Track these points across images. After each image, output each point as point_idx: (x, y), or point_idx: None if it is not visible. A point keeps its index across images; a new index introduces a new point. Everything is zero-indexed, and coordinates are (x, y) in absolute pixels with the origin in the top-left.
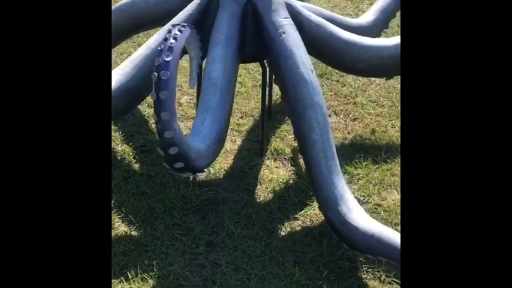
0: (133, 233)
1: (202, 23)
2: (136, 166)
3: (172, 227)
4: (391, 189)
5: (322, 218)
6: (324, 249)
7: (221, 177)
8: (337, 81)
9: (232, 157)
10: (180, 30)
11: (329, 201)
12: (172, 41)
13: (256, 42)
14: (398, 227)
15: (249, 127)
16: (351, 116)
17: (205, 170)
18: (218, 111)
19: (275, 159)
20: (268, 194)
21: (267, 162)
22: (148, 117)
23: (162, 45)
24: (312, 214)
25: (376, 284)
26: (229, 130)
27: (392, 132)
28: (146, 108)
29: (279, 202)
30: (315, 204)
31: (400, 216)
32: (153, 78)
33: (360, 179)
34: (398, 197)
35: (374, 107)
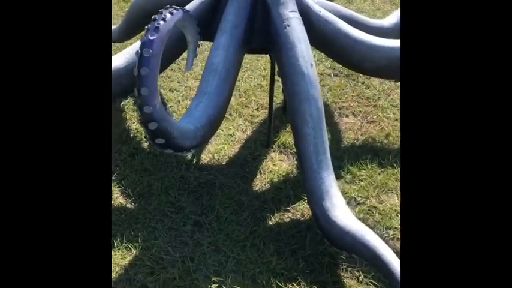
0: (128, 205)
1: (215, 12)
2: (145, 145)
3: (165, 204)
4: (391, 194)
5: None
6: (307, 243)
7: (223, 163)
8: (363, 83)
9: (238, 146)
10: (171, 13)
11: (315, 195)
12: (160, 22)
13: (264, 34)
14: (390, 231)
15: (262, 119)
16: (368, 118)
17: (191, 150)
18: (214, 96)
19: (280, 152)
20: (265, 184)
21: (272, 154)
22: (167, 100)
23: (150, 25)
24: (303, 208)
25: (352, 283)
26: (242, 120)
27: None
28: (167, 92)
29: (274, 193)
30: None
31: (393, 220)
32: (136, 55)
33: (361, 180)
34: (397, 201)
35: (394, 112)
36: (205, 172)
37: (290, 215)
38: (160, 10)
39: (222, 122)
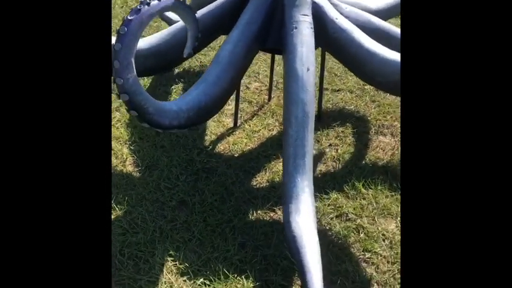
0: (133, 173)
1: (240, 9)
2: None
3: (163, 179)
4: (389, 219)
5: None
6: (273, 243)
7: (235, 155)
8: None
9: (258, 143)
10: None
11: (285, 197)
12: (144, 6)
13: (278, 34)
14: (367, 253)
15: None
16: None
17: (171, 129)
18: (211, 85)
19: None
20: (263, 182)
21: None
22: None
23: (133, 7)
24: None
25: None
26: (273, 120)
27: None
28: None
29: (267, 191)
30: None
31: (375, 244)
32: (117, 31)
33: (364, 199)
34: (392, 228)
35: None
36: (213, 159)
37: (272, 214)
38: None
39: (253, 119)
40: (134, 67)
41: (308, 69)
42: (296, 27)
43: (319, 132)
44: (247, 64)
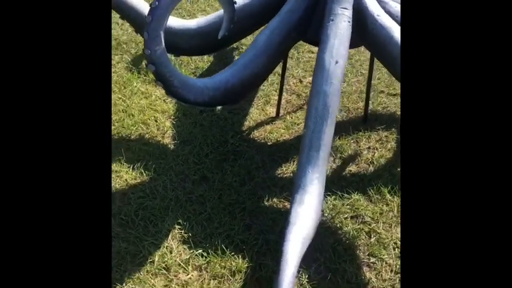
0: (169, 145)
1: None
2: (218, 107)
3: (193, 155)
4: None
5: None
6: (278, 229)
7: (268, 143)
8: None
9: (295, 134)
10: None
11: (294, 186)
12: None
13: (318, 26)
14: (372, 258)
15: (342, 122)
16: None
17: (197, 105)
18: (241, 67)
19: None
20: (287, 172)
21: None
22: None
23: None
24: None
25: None
26: None
27: None
28: None
29: (288, 181)
30: None
31: (374, 249)
32: (150, 4)
33: (386, 205)
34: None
35: None
36: (245, 143)
37: (286, 203)
38: None
39: (297, 112)
40: (163, 40)
41: (337, 62)
42: (333, 20)
43: (360, 133)
44: (283, 52)
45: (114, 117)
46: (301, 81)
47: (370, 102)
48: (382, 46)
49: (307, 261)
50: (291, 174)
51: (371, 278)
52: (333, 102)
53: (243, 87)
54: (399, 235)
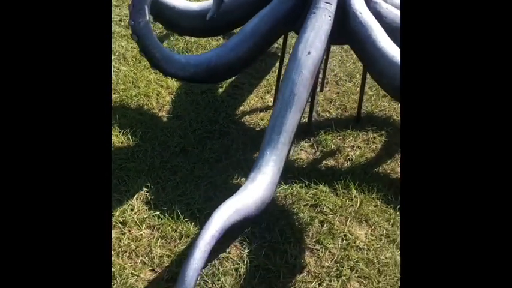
0: (162, 117)
1: None
2: (221, 90)
3: (181, 129)
4: (363, 226)
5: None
6: None
7: (257, 128)
8: None
9: None
10: None
11: (253, 166)
12: None
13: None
14: (317, 245)
15: (336, 117)
16: None
17: (179, 79)
18: (227, 50)
19: (312, 145)
20: None
21: (303, 142)
22: None
23: None
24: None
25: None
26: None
27: None
28: None
29: None
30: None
31: (324, 240)
32: None
33: (350, 200)
34: (358, 233)
35: None
36: (234, 125)
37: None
38: None
39: None
40: (147, 13)
41: (309, 53)
42: (314, 13)
43: (349, 131)
44: (270, 40)
45: (121, 86)
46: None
47: (369, 104)
48: (361, 44)
49: (251, 238)
50: None
51: (310, 263)
52: (299, 91)
53: (226, 69)
54: (352, 229)
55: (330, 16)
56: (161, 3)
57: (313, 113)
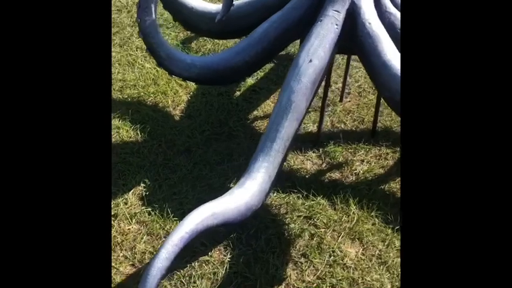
0: (174, 115)
1: None
2: (238, 93)
3: (190, 129)
4: (355, 244)
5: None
6: None
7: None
8: None
9: None
10: None
11: (244, 171)
12: None
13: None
14: (302, 259)
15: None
16: None
17: (178, 76)
18: (233, 54)
19: (320, 155)
20: None
21: (311, 152)
22: None
23: None
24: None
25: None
26: (330, 119)
27: None
28: None
29: None
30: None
31: (311, 255)
32: None
33: (346, 215)
34: (348, 250)
35: None
36: (242, 129)
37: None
38: None
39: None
40: (153, 12)
41: (311, 61)
42: (321, 20)
43: (361, 145)
44: (279, 46)
45: (141, 83)
46: (330, 86)
47: (388, 119)
48: (366, 55)
49: (236, 243)
50: None
51: (291, 275)
52: (297, 99)
53: (232, 72)
54: (343, 246)
55: (337, 25)
56: (180, 3)
57: (323, 124)
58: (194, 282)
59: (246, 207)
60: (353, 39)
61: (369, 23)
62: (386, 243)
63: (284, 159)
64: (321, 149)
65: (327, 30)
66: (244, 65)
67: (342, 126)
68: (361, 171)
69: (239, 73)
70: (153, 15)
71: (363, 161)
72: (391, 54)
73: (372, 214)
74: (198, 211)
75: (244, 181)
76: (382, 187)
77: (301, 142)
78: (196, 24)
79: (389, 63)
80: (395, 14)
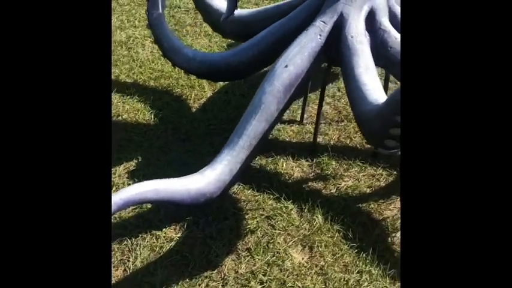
0: (191, 104)
1: None
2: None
3: (197, 119)
4: (303, 251)
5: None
6: None
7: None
8: None
9: (299, 138)
10: None
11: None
12: None
13: None
14: (243, 252)
15: (354, 145)
16: None
17: (180, 67)
18: (231, 54)
19: (311, 165)
20: (260, 163)
21: (303, 160)
22: None
23: None
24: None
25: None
26: (311, 122)
27: None
28: None
29: (252, 171)
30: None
31: (255, 253)
32: None
33: (308, 223)
34: (294, 256)
35: None
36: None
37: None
38: None
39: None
40: (160, 6)
41: (286, 66)
42: (307, 30)
43: (358, 162)
44: (275, 51)
45: (175, 75)
46: (327, 95)
47: None
48: (343, 67)
49: (192, 226)
50: (266, 168)
51: (226, 265)
52: (267, 100)
53: (228, 71)
54: (291, 250)
55: (320, 35)
56: (208, 6)
57: (318, 133)
58: (135, 249)
59: (197, 192)
60: (335, 49)
61: (351, 37)
62: (335, 258)
63: (250, 157)
64: (314, 160)
65: (309, 40)
66: (240, 65)
67: (348, 141)
68: (345, 187)
69: (236, 73)
70: (160, 9)
71: (351, 177)
72: (364, 70)
73: (334, 227)
74: (141, 184)
75: (205, 169)
76: (358, 205)
77: (298, 150)
78: (222, 27)
79: (358, 79)
80: (390, 31)
